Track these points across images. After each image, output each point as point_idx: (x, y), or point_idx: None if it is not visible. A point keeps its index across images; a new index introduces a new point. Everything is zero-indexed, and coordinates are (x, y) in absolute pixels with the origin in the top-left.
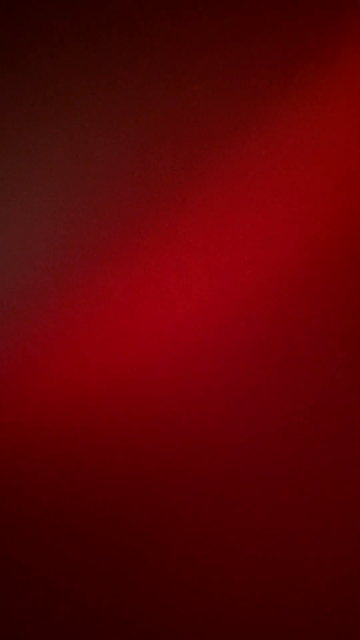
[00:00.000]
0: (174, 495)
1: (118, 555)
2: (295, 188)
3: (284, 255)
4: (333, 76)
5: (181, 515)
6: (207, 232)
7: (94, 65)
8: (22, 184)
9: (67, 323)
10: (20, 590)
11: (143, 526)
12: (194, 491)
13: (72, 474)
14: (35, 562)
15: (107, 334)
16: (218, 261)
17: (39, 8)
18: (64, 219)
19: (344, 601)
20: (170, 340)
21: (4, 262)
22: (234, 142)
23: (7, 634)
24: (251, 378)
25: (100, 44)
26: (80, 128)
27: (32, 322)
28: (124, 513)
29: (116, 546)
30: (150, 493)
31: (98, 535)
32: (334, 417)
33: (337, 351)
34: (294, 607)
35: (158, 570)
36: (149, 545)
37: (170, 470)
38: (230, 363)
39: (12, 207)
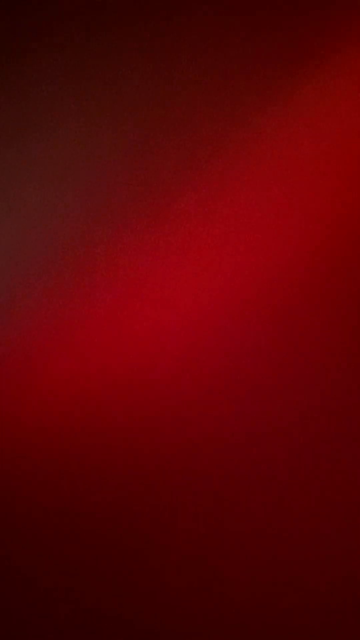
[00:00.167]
0: (174, 495)
1: (118, 555)
2: (296, 186)
3: (286, 255)
4: (335, 73)
5: (181, 515)
6: (208, 231)
7: (93, 60)
8: (20, 180)
9: (66, 322)
10: (20, 590)
11: (143, 526)
12: (194, 491)
13: (71, 474)
14: (35, 562)
15: (107, 333)
16: (219, 260)
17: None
18: (63, 217)
19: (344, 601)
20: (170, 339)
21: (2, 260)
22: (234, 141)
23: (7, 634)
24: (252, 377)
25: (100, 38)
26: (80, 124)
27: (32, 321)
28: (123, 512)
29: (116, 546)
30: (150, 492)
31: (98, 535)
32: (334, 417)
33: (338, 351)
34: (294, 607)
35: (158, 570)
36: (149, 545)
37: (170, 470)
38: (231, 362)
39: (10, 204)
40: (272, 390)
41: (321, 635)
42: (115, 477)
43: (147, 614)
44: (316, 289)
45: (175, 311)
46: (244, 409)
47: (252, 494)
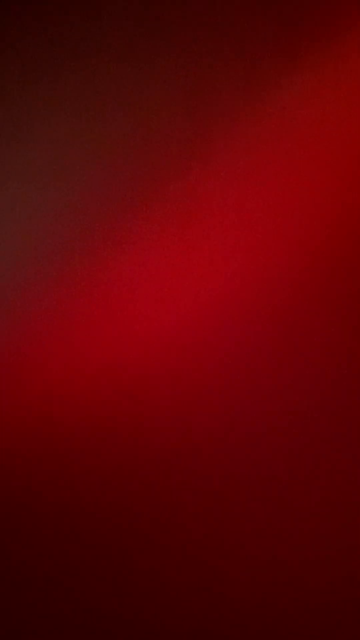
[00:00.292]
0: (174, 495)
1: (118, 555)
2: (297, 184)
3: (286, 254)
4: (337, 59)
5: (181, 515)
6: (208, 230)
7: (92, 49)
8: (18, 175)
9: (65, 320)
10: (20, 590)
11: (143, 526)
12: (194, 490)
13: (71, 473)
14: (35, 562)
15: (106, 331)
16: (219, 259)
17: None
18: (62, 213)
19: (344, 601)
20: (170, 338)
21: (2, 259)
22: (234, 140)
23: (7, 634)
24: (252, 377)
25: (98, 26)
26: (80, 118)
27: (31, 319)
28: (123, 512)
29: (116, 546)
30: (150, 492)
31: (98, 535)
32: (334, 417)
33: (338, 350)
34: (294, 607)
35: (158, 570)
36: (149, 545)
37: (170, 470)
38: (231, 361)
39: (8, 200)
40: (272, 390)
41: (321, 635)
42: (115, 476)
43: (147, 614)
44: (316, 288)
45: (175, 310)
46: (244, 408)
47: (252, 494)
